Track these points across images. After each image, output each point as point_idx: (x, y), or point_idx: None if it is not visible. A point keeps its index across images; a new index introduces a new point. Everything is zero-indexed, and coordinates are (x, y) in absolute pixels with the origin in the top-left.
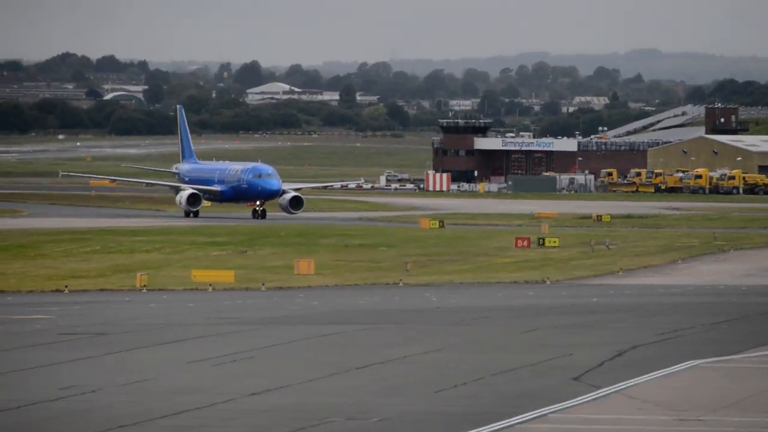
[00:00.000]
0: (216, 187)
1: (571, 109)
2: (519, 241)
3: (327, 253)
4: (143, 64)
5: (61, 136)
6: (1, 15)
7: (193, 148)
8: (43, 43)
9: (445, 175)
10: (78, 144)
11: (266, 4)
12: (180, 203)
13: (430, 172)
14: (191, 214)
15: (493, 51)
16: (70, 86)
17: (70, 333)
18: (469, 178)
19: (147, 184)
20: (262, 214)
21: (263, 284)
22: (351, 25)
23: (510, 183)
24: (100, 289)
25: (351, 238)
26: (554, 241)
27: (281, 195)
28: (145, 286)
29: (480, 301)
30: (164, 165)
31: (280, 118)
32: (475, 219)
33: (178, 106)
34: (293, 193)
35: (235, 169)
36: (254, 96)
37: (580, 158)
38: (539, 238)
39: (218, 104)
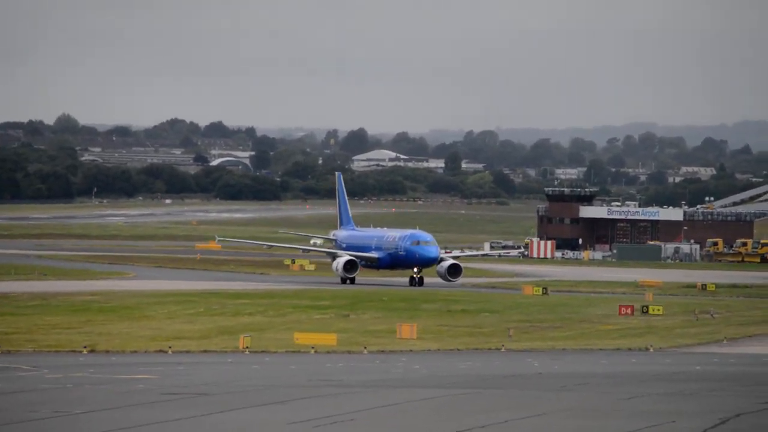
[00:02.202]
0: (373, 254)
1: (677, 180)
2: (622, 308)
3: (430, 318)
4: (251, 131)
5: (168, 201)
6: (111, 82)
7: (350, 214)
8: (152, 109)
9: (549, 243)
10: (184, 208)
11: (374, 73)
12: (336, 270)
13: (535, 239)
14: (347, 281)
15: (601, 121)
16: (177, 152)
17: (173, 393)
18: (574, 246)
19: (303, 250)
20: (420, 282)
21: (365, 348)
22: (458, 93)
23: (615, 251)
24: (203, 350)
25: (454, 303)
26: (658, 309)
27: (439, 262)
28: (247, 347)
29: (582, 368)
30: (270, 230)
31: (386, 185)
32: (578, 286)
33: (337, 173)
34: (451, 261)
35: (393, 236)
36: (360, 163)
37: (685, 227)
38: (643, 306)
39: (324, 171)
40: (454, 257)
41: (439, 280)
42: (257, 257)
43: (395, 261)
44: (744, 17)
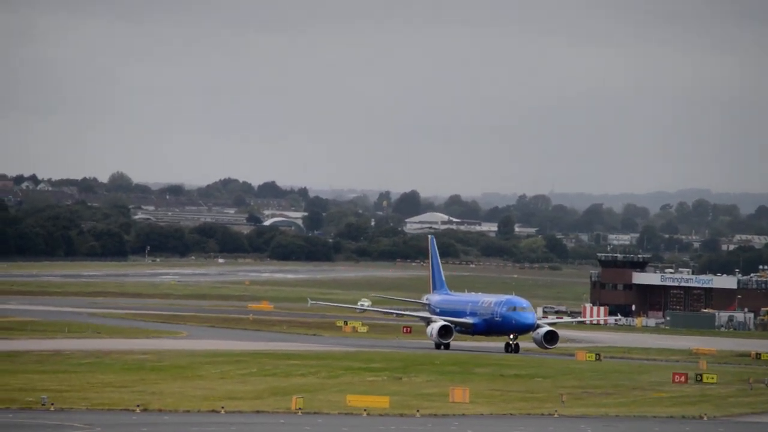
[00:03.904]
0: (468, 320)
1: (731, 247)
2: (676, 376)
3: (482, 382)
4: (303, 191)
5: (221, 260)
6: (164, 141)
7: (444, 278)
8: (205, 169)
9: (602, 309)
10: (237, 268)
11: (426, 135)
12: (431, 335)
13: (587, 305)
14: (442, 346)
15: (654, 187)
16: (231, 211)
17: None
18: (627, 312)
19: (397, 314)
20: (515, 348)
21: (418, 411)
22: (510, 157)
23: (668, 318)
24: (255, 410)
25: (507, 368)
26: (712, 378)
27: (535, 329)
28: (300, 409)
29: None
30: (323, 290)
31: (438, 248)
32: (631, 353)
33: (430, 236)
34: (548, 328)
35: (488, 301)
36: (412, 225)
37: (739, 296)
38: (697, 374)
39: (376, 232)
40: (550, 324)
41: (535, 346)
42: (309, 318)
43: (491, 327)
44: None
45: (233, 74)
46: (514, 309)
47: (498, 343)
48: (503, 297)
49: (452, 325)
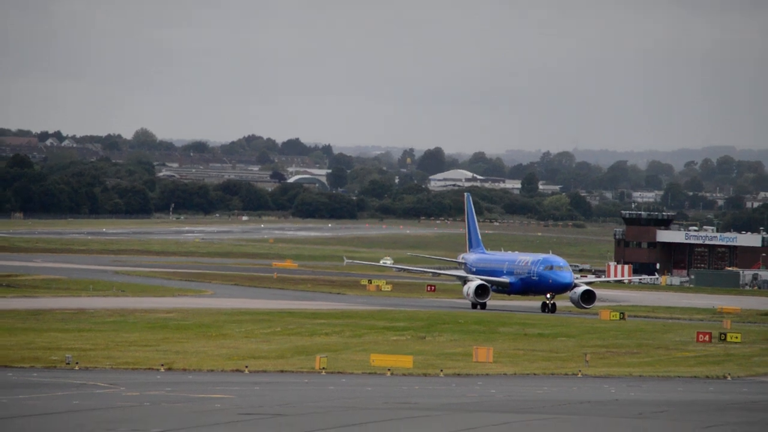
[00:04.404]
0: (504, 279)
1: (755, 204)
2: (700, 335)
3: (506, 342)
4: (327, 148)
5: (244, 217)
6: (189, 98)
7: (480, 237)
8: (229, 125)
9: (626, 267)
10: (261, 225)
11: (449, 93)
12: (467, 294)
13: (612, 263)
14: (478, 306)
15: (678, 144)
16: (255, 168)
17: (250, 413)
18: (651, 271)
19: (433, 274)
20: (552, 308)
21: (441, 370)
22: (535, 114)
23: (692, 277)
24: (279, 370)
25: (530, 327)
26: (736, 337)
27: (572, 288)
28: (324, 368)
29: (659, 395)
30: (346, 248)
31: (462, 205)
32: (656, 312)
33: (466, 193)
34: (585, 287)
35: (525, 260)
36: (436, 182)
37: (764, 254)
38: (721, 333)
39: (400, 190)
40: (588, 282)
41: (571, 305)
42: (334, 276)
43: (527, 286)
44: None
45: (258, 35)
46: (551, 268)
47: (535, 303)
48: (540, 256)
49: (489, 285)
